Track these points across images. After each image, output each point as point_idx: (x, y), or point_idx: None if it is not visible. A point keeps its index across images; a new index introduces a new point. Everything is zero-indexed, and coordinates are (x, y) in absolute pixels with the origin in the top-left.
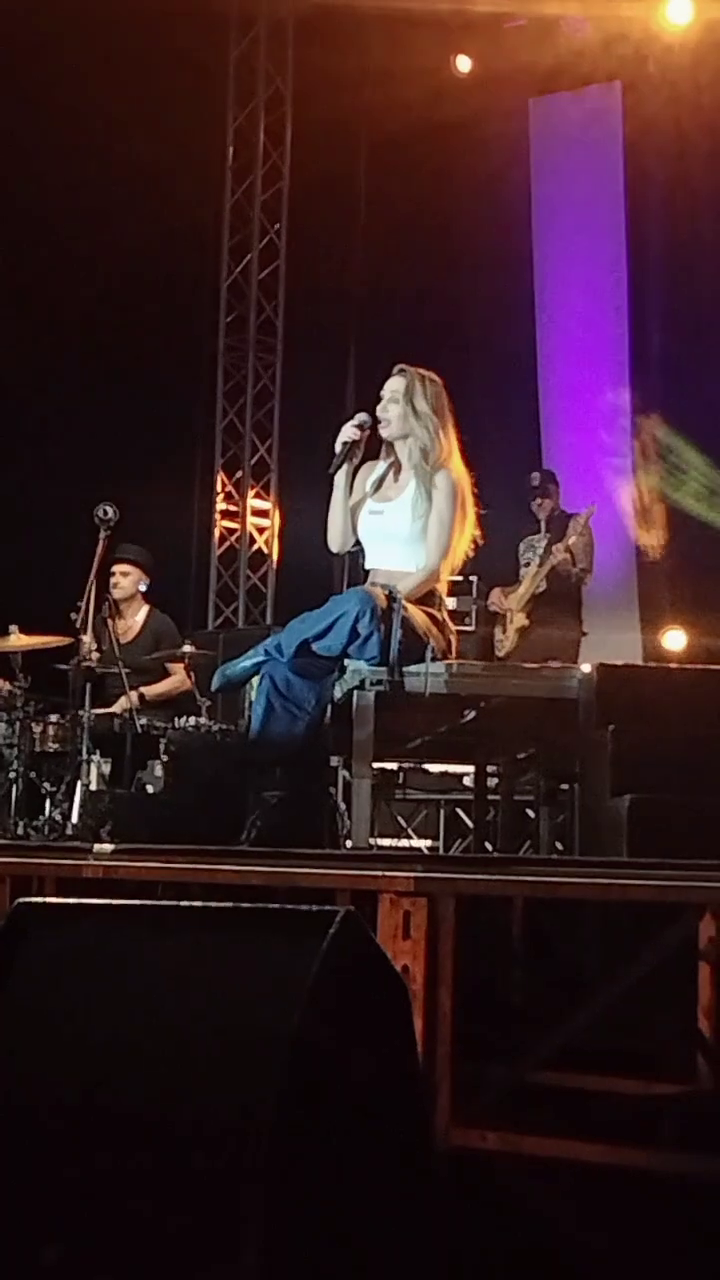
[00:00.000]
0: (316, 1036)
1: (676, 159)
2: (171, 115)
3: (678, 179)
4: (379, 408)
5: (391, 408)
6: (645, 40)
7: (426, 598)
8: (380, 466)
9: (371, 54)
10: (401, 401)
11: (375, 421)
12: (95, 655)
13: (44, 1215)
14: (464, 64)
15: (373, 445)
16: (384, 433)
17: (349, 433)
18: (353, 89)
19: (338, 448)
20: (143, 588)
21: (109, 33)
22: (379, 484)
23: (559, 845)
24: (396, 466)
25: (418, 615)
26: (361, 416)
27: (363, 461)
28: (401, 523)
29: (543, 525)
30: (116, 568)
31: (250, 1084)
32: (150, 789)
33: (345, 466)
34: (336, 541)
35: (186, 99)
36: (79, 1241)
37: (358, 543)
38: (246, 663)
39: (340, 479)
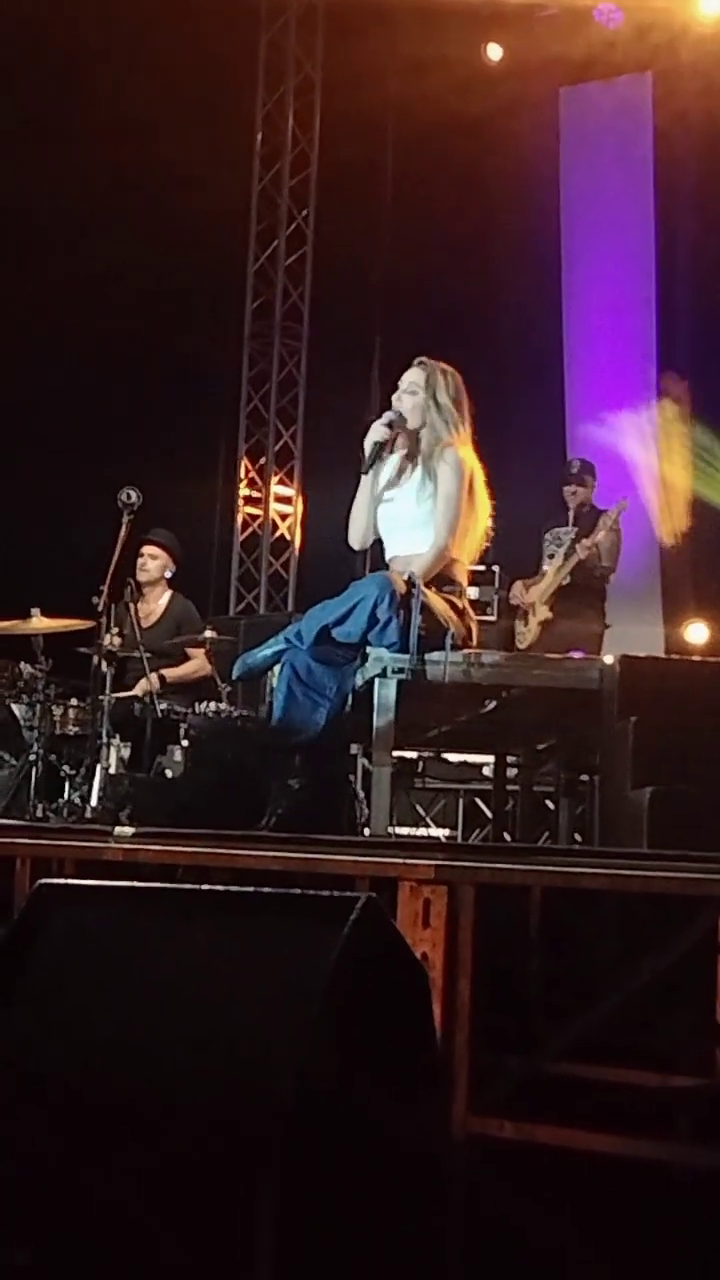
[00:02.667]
0: (336, 1021)
1: (707, 150)
2: (201, 100)
3: (708, 170)
4: (394, 397)
5: (407, 398)
6: (678, 30)
7: (446, 585)
8: (395, 459)
9: (402, 41)
10: (423, 393)
11: (403, 418)
12: (117, 639)
13: (59, 1198)
14: (495, 52)
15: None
16: (407, 425)
17: (379, 432)
18: (382, 76)
19: (367, 447)
20: (168, 574)
21: (139, 15)
22: (394, 475)
23: (578, 836)
24: (408, 455)
25: (437, 602)
26: (390, 414)
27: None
28: (408, 505)
29: (571, 516)
30: (145, 549)
31: (270, 1067)
32: (170, 773)
33: (376, 465)
34: (357, 538)
35: (216, 84)
36: (99, 1222)
37: (379, 539)
38: (267, 651)
39: (368, 478)
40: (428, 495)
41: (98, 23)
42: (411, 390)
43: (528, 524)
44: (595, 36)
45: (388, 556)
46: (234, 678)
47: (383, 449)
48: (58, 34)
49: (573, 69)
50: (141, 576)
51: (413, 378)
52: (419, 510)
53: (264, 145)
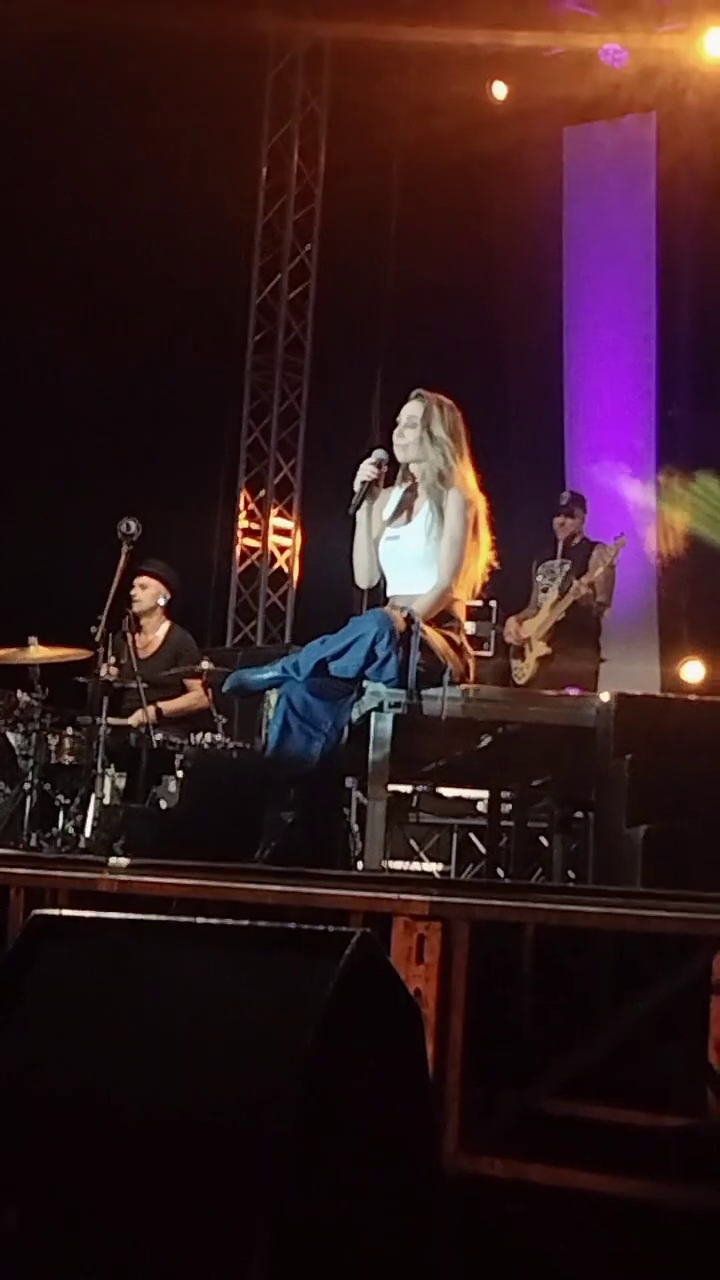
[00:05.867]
0: (330, 1057)
1: (710, 190)
2: (206, 134)
3: (711, 210)
4: (395, 432)
5: (408, 432)
6: (683, 72)
7: (445, 622)
8: (397, 493)
9: (407, 79)
10: (419, 426)
11: (392, 456)
12: (114, 670)
13: (57, 1226)
14: (500, 90)
15: (390, 475)
16: (400, 457)
17: (367, 471)
18: (387, 113)
19: (356, 486)
20: (162, 601)
21: (146, 51)
22: (396, 510)
23: (571, 873)
24: (413, 491)
25: (436, 638)
26: (379, 454)
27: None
28: (416, 544)
29: (560, 547)
30: (136, 580)
31: (263, 1102)
32: (164, 804)
33: (365, 504)
34: (364, 578)
35: (222, 118)
36: (90, 1256)
37: (383, 576)
38: (263, 675)
39: (361, 517)
40: (434, 535)
41: (106, 55)
42: (410, 424)
43: (524, 559)
44: (600, 77)
45: (389, 593)
46: (225, 690)
47: (370, 488)
48: (66, 68)
49: (578, 109)
50: (135, 607)
51: (410, 411)
52: (426, 549)
53: (269, 180)
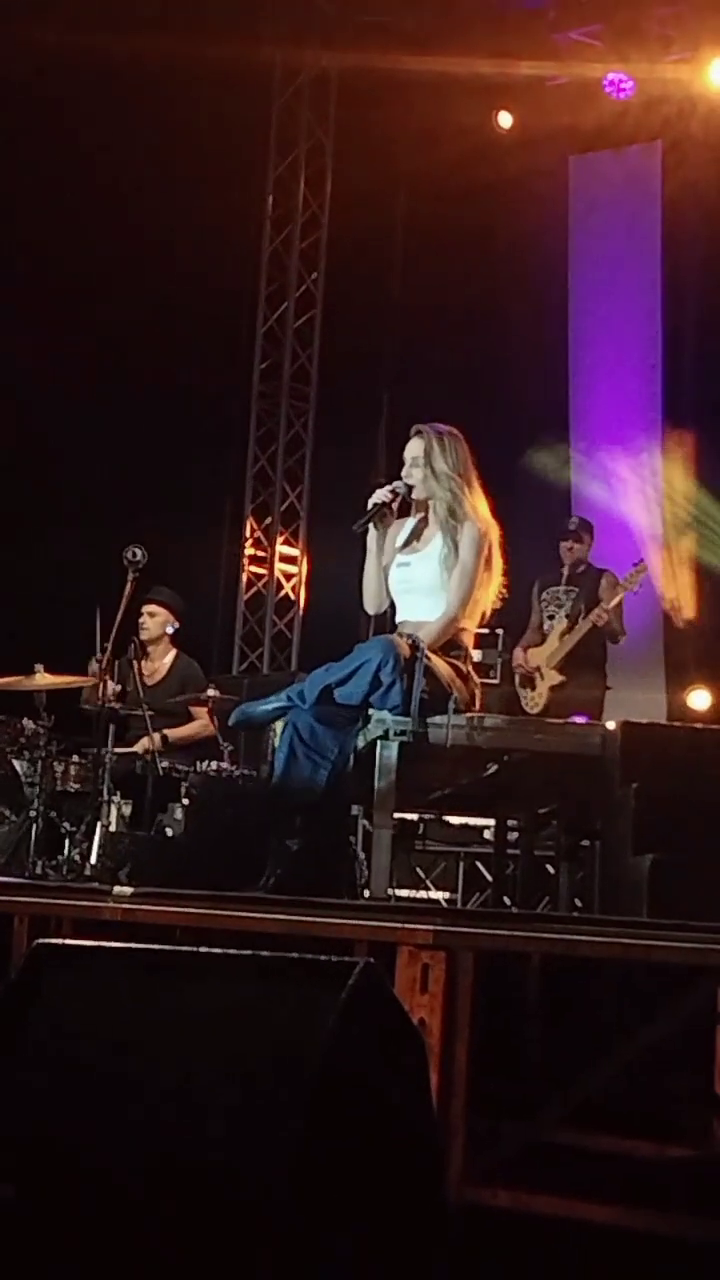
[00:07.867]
0: (334, 1087)
1: (715, 219)
2: (213, 162)
3: (716, 238)
4: (403, 471)
5: (414, 471)
6: (688, 102)
7: (452, 650)
8: (410, 522)
9: (413, 109)
10: (422, 465)
11: (409, 489)
12: (118, 700)
13: (59, 1255)
14: (505, 120)
15: (406, 507)
16: (414, 495)
17: (381, 495)
18: (393, 142)
19: (369, 506)
20: (170, 630)
21: (152, 80)
22: (409, 539)
23: (578, 902)
24: (425, 521)
25: (441, 666)
26: (397, 484)
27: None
28: (428, 573)
29: (566, 571)
30: (145, 608)
31: (268, 1131)
32: (170, 832)
33: (374, 529)
34: (372, 603)
35: (228, 147)
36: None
37: (392, 603)
38: (268, 706)
39: (371, 542)
40: (448, 568)
41: (112, 84)
42: (415, 463)
43: (526, 584)
44: (605, 106)
45: (398, 619)
46: (230, 724)
47: (381, 511)
48: (73, 95)
49: (583, 138)
50: (143, 635)
51: (412, 450)
52: (439, 578)
53: (275, 208)
